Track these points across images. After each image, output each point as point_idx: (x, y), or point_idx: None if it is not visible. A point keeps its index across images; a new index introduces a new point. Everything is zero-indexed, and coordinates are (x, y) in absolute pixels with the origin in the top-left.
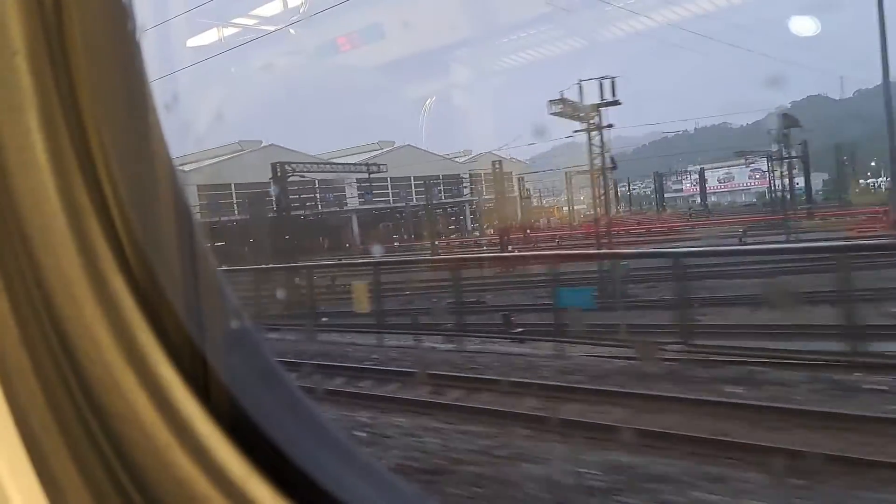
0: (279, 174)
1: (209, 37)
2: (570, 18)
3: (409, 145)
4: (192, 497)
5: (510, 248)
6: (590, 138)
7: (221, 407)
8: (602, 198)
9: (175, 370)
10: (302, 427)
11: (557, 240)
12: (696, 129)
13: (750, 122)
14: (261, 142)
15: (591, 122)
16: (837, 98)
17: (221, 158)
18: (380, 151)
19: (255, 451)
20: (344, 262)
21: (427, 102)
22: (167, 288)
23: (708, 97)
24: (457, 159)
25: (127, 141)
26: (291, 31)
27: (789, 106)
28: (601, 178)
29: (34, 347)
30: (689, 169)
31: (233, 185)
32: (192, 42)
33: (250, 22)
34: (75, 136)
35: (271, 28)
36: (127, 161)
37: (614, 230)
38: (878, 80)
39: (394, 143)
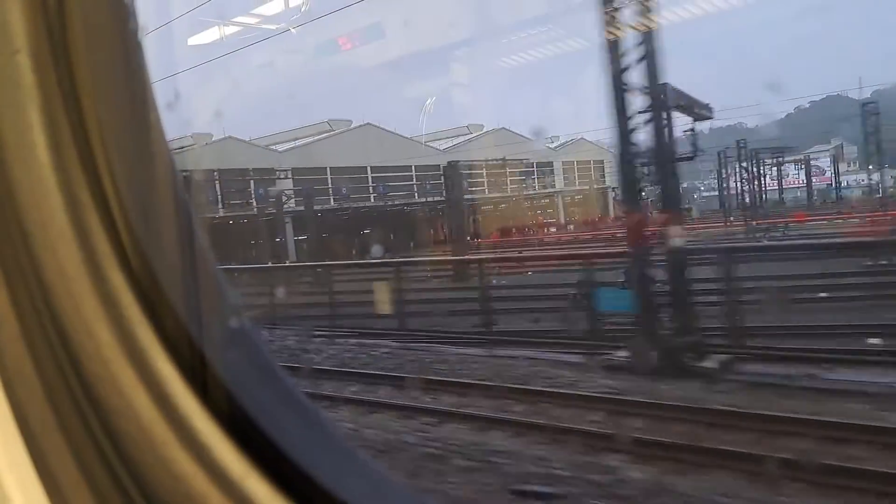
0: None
1: (210, 35)
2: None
3: (504, 128)
4: (189, 494)
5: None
6: None
7: (220, 404)
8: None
9: (174, 366)
10: (300, 424)
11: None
12: (710, 129)
13: (767, 122)
14: (350, 121)
15: None
16: (857, 98)
17: (308, 140)
18: (468, 136)
19: (253, 448)
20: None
21: (427, 102)
22: (166, 284)
23: (717, 98)
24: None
25: (128, 138)
26: (292, 30)
27: (808, 105)
28: None
29: (33, 343)
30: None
31: (328, 169)
32: (194, 41)
33: (252, 21)
34: (77, 134)
35: (273, 27)
36: (128, 158)
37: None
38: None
39: (483, 126)
